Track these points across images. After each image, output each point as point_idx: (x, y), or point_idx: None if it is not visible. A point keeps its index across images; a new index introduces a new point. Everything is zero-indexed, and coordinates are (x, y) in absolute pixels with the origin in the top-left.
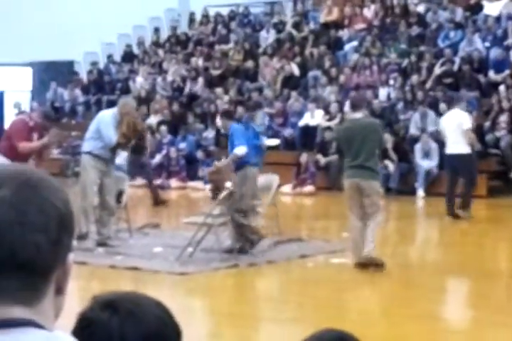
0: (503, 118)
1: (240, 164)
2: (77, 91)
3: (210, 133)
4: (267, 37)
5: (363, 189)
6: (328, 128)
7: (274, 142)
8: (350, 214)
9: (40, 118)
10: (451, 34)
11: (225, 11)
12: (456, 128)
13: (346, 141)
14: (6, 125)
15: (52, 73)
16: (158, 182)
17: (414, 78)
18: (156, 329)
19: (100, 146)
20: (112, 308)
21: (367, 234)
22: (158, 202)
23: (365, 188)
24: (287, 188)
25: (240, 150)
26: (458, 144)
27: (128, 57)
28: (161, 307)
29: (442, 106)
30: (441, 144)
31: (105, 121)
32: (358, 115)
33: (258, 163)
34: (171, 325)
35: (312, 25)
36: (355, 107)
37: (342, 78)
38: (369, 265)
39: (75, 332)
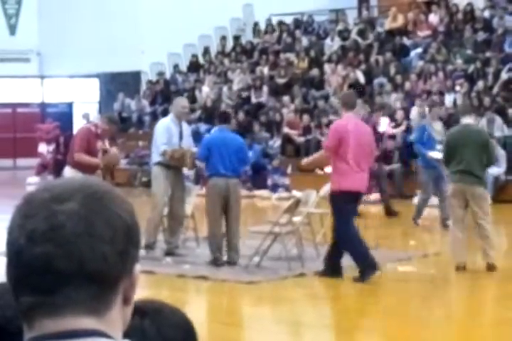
0: None
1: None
2: (144, 102)
3: (276, 142)
4: (332, 44)
5: (469, 192)
6: (392, 137)
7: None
8: (452, 222)
9: (105, 123)
10: None
11: (289, 20)
12: None
13: (454, 146)
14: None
15: (119, 84)
16: None
17: (481, 84)
18: (179, 334)
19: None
20: (140, 313)
21: (488, 240)
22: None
23: (471, 193)
24: None
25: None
26: None
27: (194, 66)
28: (181, 313)
29: (510, 111)
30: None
31: (158, 130)
32: (469, 120)
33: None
34: (192, 330)
35: (377, 32)
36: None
37: (407, 85)
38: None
39: None
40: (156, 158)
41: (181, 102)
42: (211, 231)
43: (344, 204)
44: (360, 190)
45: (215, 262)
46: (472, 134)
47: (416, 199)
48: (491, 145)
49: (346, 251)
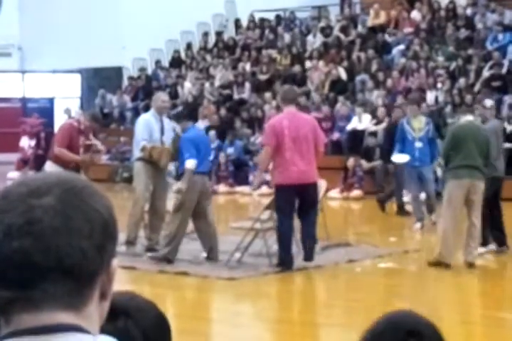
0: None
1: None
2: (126, 97)
3: (257, 138)
4: (314, 41)
5: (474, 188)
6: (373, 134)
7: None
8: (448, 217)
9: (88, 121)
10: (500, 37)
11: (271, 16)
12: None
13: (460, 141)
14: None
15: (100, 79)
16: None
17: (462, 81)
18: (154, 325)
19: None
20: (124, 313)
21: (474, 237)
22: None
23: (476, 188)
24: (335, 193)
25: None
26: None
27: (176, 62)
28: (155, 306)
29: None
30: None
31: (138, 126)
32: (470, 117)
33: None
34: (168, 323)
35: (360, 29)
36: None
37: (389, 82)
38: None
39: None
40: (137, 153)
41: (161, 97)
42: (180, 229)
43: (283, 197)
44: (300, 183)
45: (168, 259)
46: (476, 130)
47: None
48: (491, 141)
49: (277, 241)
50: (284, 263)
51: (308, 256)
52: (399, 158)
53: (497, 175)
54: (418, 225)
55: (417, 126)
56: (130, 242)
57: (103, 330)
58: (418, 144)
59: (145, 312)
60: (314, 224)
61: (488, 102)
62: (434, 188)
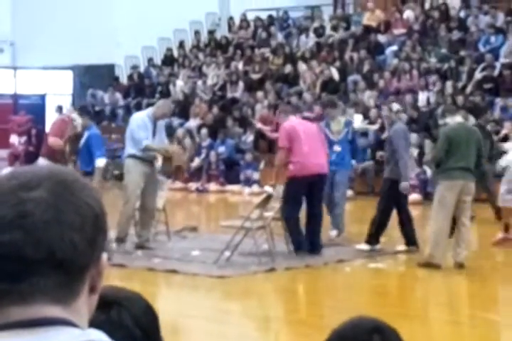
0: None
1: None
2: (118, 95)
3: (248, 137)
4: (307, 41)
5: (466, 189)
6: (364, 134)
7: None
8: (439, 218)
9: (76, 115)
10: (492, 39)
11: (264, 15)
12: None
13: (455, 142)
14: (48, 128)
15: (92, 76)
16: (196, 186)
17: (454, 83)
18: (145, 314)
19: (142, 148)
20: (117, 305)
21: (464, 238)
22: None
23: (469, 189)
24: None
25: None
26: None
27: (168, 60)
28: (142, 297)
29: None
30: None
31: (136, 123)
32: (459, 119)
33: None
34: (155, 313)
35: (352, 30)
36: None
37: (381, 83)
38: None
39: None
40: (130, 150)
41: (170, 105)
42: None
43: (296, 188)
44: (315, 173)
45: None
46: (469, 132)
47: None
48: (482, 142)
49: (289, 229)
50: (300, 247)
51: (315, 248)
52: None
53: (398, 178)
54: (334, 232)
55: (336, 128)
56: (121, 239)
57: (96, 320)
58: (337, 148)
59: (135, 302)
60: (320, 224)
61: (395, 106)
62: (344, 193)
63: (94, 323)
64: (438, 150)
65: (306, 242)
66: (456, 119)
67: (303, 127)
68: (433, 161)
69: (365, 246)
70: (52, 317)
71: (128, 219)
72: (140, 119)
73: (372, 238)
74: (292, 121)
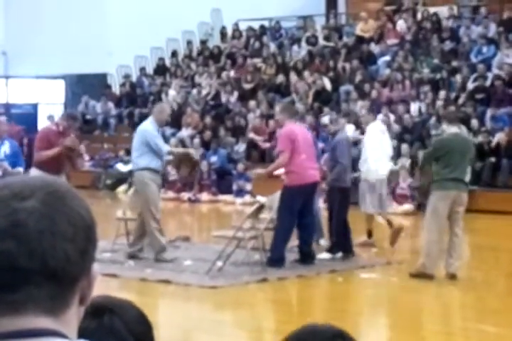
0: None
1: None
2: (110, 104)
3: (241, 147)
4: (299, 51)
5: (460, 199)
6: (355, 144)
7: None
8: (432, 228)
9: (65, 120)
10: (484, 49)
11: (257, 25)
12: None
13: (447, 153)
14: None
15: (84, 86)
16: (188, 195)
17: (447, 93)
18: (138, 321)
19: (155, 159)
20: (109, 311)
21: (456, 248)
22: None
23: (462, 200)
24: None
25: None
26: None
27: (160, 70)
28: (133, 303)
29: (474, 121)
30: None
31: (149, 136)
32: (455, 130)
33: None
34: (147, 319)
35: (345, 40)
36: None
37: (374, 93)
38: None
39: None
40: (141, 162)
41: (167, 109)
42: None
43: (295, 197)
44: (313, 181)
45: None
46: (463, 143)
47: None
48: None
49: (278, 236)
50: (280, 260)
51: (305, 258)
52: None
53: (345, 186)
54: (323, 241)
55: None
56: (163, 249)
57: (89, 327)
58: None
59: (127, 309)
60: (312, 235)
61: (325, 120)
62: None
63: (86, 330)
64: (426, 158)
65: (285, 260)
66: (451, 130)
67: (300, 132)
68: (421, 168)
69: (326, 255)
70: (43, 328)
71: (159, 233)
72: (151, 130)
73: (334, 247)
74: (291, 126)
